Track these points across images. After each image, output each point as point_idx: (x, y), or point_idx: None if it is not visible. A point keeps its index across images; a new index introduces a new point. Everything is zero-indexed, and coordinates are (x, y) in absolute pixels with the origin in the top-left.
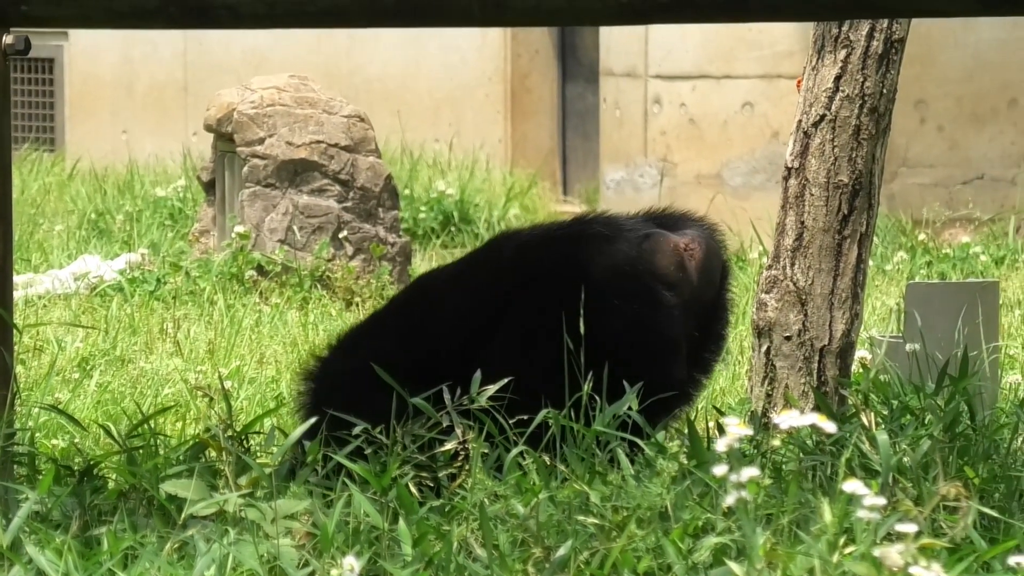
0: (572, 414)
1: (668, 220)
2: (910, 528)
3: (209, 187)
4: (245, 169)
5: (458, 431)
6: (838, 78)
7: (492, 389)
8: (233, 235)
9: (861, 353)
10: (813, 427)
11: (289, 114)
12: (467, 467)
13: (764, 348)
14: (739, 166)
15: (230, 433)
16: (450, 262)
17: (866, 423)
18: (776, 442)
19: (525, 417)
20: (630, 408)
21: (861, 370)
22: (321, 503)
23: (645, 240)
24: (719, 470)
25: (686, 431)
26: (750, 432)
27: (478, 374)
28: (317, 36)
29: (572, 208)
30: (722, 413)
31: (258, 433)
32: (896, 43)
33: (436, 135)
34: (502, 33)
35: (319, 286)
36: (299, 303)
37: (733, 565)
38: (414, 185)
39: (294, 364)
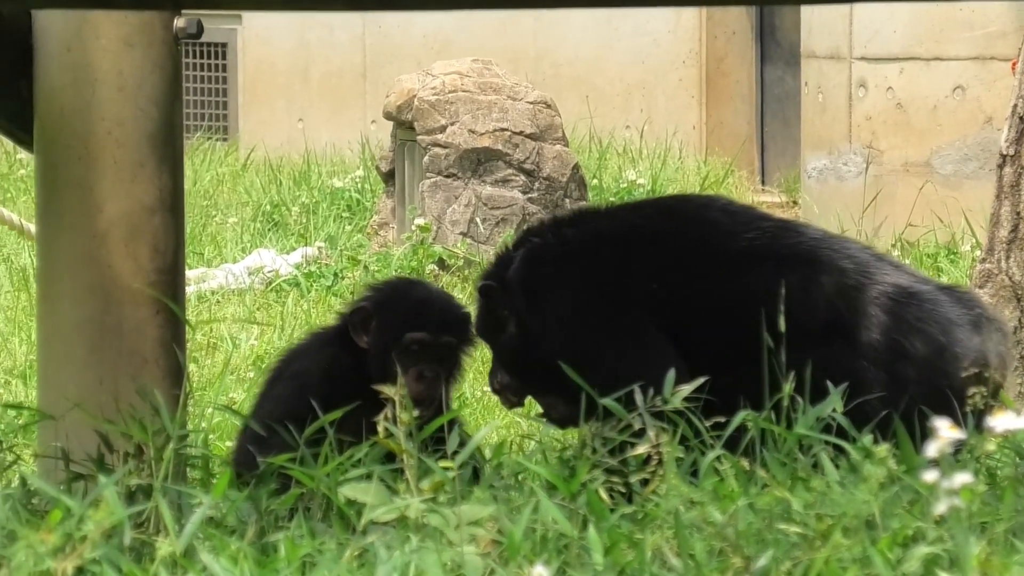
0: (772, 416)
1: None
2: None
3: (388, 177)
4: (426, 159)
5: (651, 434)
6: None
7: (687, 389)
8: (413, 227)
9: None
10: None
11: (472, 100)
12: (660, 471)
13: None
14: (950, 153)
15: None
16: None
17: None
18: (991, 446)
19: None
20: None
21: None
22: (506, 509)
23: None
24: (930, 476)
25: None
26: (963, 435)
27: (671, 374)
28: (502, 19)
29: (771, 198)
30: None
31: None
32: None
33: (627, 121)
34: (697, 14)
35: None
36: None
37: None
38: (603, 175)
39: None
